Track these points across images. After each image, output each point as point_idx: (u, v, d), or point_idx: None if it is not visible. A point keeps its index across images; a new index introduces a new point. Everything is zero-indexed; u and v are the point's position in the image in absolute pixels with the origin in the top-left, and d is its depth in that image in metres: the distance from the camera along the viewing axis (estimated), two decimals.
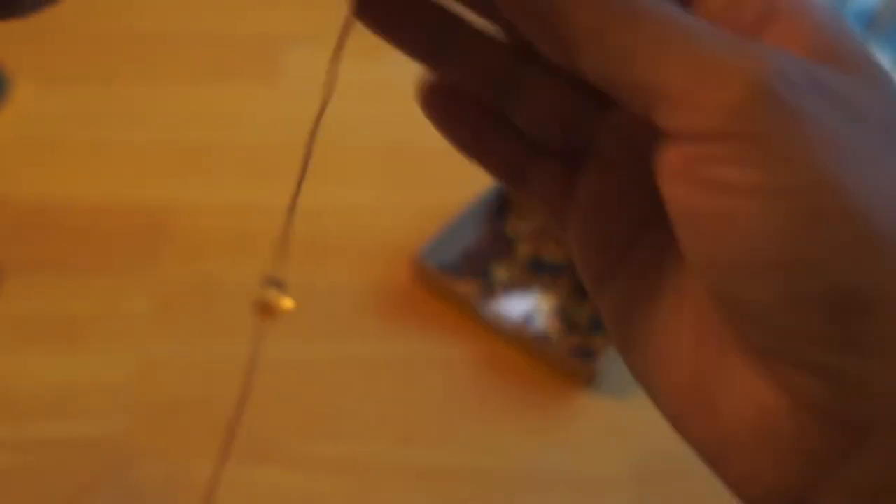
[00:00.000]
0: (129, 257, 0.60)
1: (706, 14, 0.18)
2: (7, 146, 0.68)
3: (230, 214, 0.63)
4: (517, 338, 0.55)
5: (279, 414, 0.52)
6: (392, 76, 0.75)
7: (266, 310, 0.26)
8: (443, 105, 0.24)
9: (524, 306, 0.57)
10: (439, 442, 0.51)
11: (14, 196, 0.65)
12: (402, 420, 0.52)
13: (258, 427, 0.52)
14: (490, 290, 0.58)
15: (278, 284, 0.26)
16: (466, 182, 0.57)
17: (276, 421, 0.52)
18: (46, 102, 0.71)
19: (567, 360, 0.53)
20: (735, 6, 0.18)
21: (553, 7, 0.17)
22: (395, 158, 0.67)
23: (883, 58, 1.56)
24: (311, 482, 0.50)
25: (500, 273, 0.59)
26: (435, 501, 0.49)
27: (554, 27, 0.18)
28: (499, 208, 0.62)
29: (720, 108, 0.16)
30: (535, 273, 0.59)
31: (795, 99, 0.16)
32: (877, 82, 0.17)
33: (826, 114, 0.16)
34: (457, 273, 0.59)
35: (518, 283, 0.58)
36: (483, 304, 0.56)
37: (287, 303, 0.25)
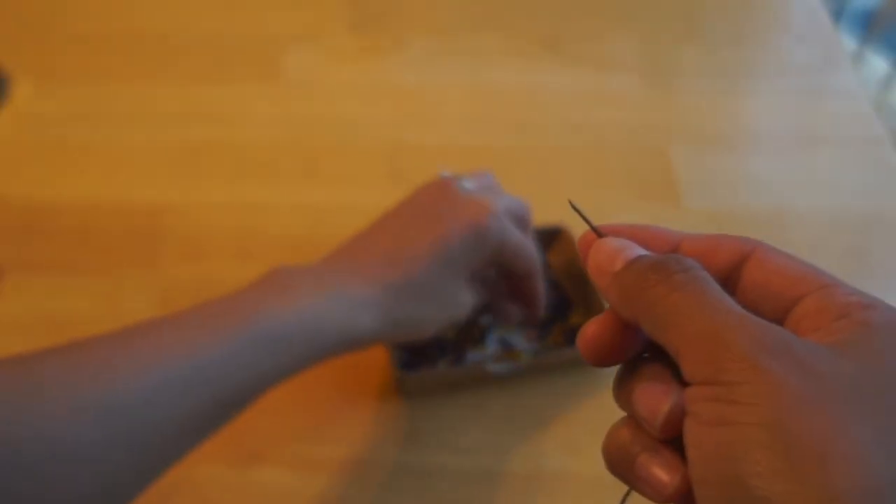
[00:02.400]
0: (129, 257, 0.60)
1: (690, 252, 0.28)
2: (7, 146, 0.68)
3: (230, 214, 0.63)
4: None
5: (279, 414, 0.52)
6: (392, 76, 0.75)
7: None
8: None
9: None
10: (438, 441, 0.51)
11: (14, 196, 0.65)
12: (401, 420, 0.52)
13: (257, 427, 0.52)
14: None
15: None
16: None
17: (275, 421, 0.52)
18: (46, 102, 0.71)
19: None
20: (712, 251, 0.27)
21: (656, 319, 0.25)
22: (395, 158, 0.67)
23: (883, 58, 1.55)
24: (311, 482, 0.50)
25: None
26: (435, 501, 0.49)
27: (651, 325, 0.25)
28: None
29: (706, 363, 0.22)
30: None
31: (767, 361, 0.21)
32: (850, 351, 0.22)
33: (790, 373, 0.21)
34: None
35: None
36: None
37: None
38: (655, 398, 0.25)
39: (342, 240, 0.49)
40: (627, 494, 0.28)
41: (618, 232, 0.28)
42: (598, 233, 0.28)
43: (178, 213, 0.63)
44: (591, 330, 0.27)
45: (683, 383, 0.24)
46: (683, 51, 0.76)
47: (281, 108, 0.71)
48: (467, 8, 0.80)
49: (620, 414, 0.27)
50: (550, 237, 0.58)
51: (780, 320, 0.25)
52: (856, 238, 0.62)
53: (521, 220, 0.49)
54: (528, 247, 0.49)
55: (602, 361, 0.27)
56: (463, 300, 0.47)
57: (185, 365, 0.37)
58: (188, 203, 0.64)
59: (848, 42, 1.54)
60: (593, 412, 0.52)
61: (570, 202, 0.30)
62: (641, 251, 0.27)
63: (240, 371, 0.39)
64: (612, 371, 0.27)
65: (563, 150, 0.68)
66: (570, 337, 0.55)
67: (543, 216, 0.57)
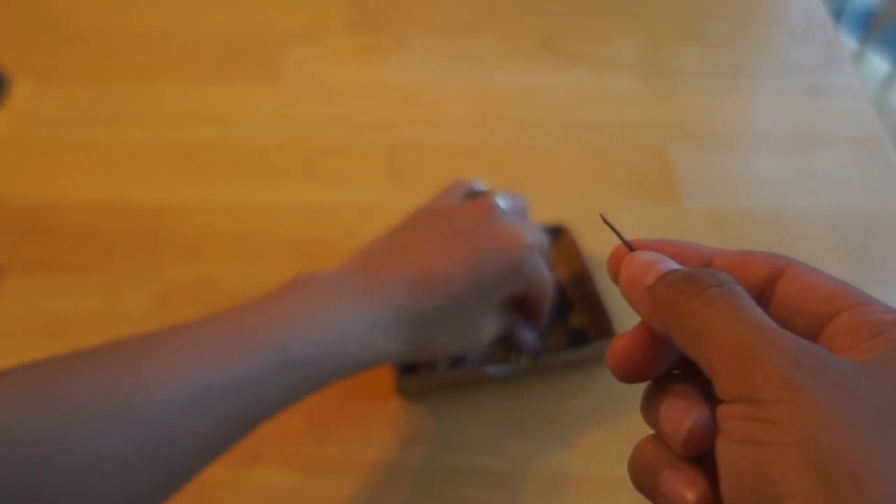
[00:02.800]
0: (129, 257, 0.60)
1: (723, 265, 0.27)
2: (7, 146, 0.68)
3: (229, 214, 0.63)
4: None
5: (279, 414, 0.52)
6: (392, 76, 0.75)
7: None
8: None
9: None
10: (438, 441, 0.51)
11: (14, 196, 0.65)
12: (401, 420, 0.52)
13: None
14: None
15: None
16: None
17: (275, 421, 0.52)
18: (46, 102, 0.71)
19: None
20: (745, 267, 0.27)
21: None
22: (395, 158, 0.67)
23: (883, 58, 1.55)
24: (311, 482, 0.50)
25: None
26: (435, 501, 0.49)
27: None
28: None
29: (737, 380, 0.22)
30: None
31: (802, 379, 0.21)
32: (885, 369, 0.22)
33: (824, 391, 0.21)
34: None
35: None
36: None
37: None
38: (679, 414, 0.25)
39: (371, 239, 0.49)
40: None
41: (649, 247, 0.28)
42: (630, 247, 0.28)
43: (178, 212, 0.63)
44: (622, 344, 0.27)
45: (712, 401, 0.24)
46: (683, 50, 0.76)
47: (281, 108, 0.71)
48: (467, 8, 0.80)
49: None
50: (551, 237, 0.58)
51: (813, 337, 0.25)
52: (856, 238, 0.62)
53: (543, 251, 0.49)
54: (550, 279, 0.49)
55: (631, 377, 0.27)
56: (486, 332, 0.47)
57: (213, 382, 0.37)
58: (188, 203, 0.64)
59: (848, 42, 1.54)
60: (592, 413, 0.52)
61: (602, 216, 0.30)
62: (674, 265, 0.27)
63: (265, 390, 0.39)
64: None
65: (563, 149, 0.68)
66: (571, 338, 0.55)
67: (543, 216, 0.57)
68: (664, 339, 0.26)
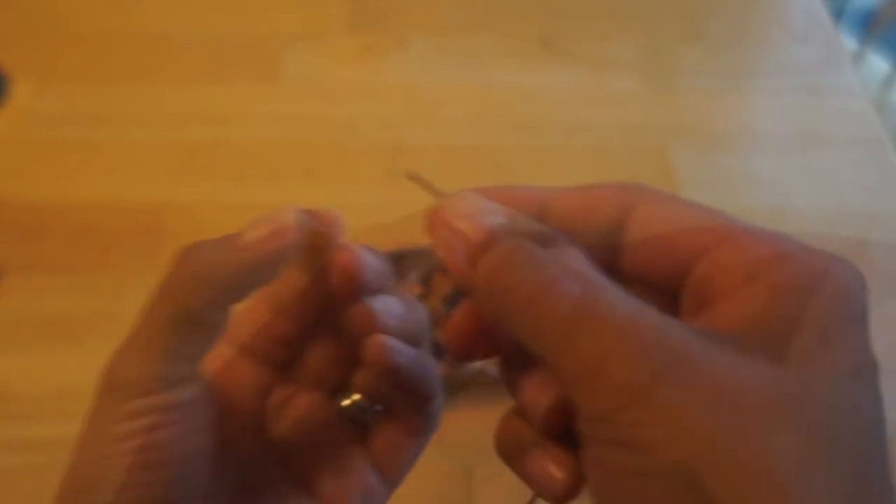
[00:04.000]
0: (129, 257, 0.60)
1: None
2: (7, 146, 0.68)
3: (230, 214, 0.63)
4: None
5: None
6: (392, 76, 0.75)
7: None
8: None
9: None
10: (438, 441, 0.51)
11: (14, 196, 0.65)
12: None
13: None
14: None
15: None
16: (466, 181, 0.56)
17: None
18: (46, 102, 0.71)
19: None
20: (588, 209, 0.22)
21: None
22: (395, 158, 0.67)
23: (883, 58, 1.55)
24: None
25: None
26: (434, 501, 0.49)
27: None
28: None
29: (602, 400, 0.18)
30: None
31: (665, 392, 0.17)
32: (762, 339, 0.18)
33: (694, 402, 0.17)
34: None
35: None
36: None
37: None
38: (537, 392, 0.21)
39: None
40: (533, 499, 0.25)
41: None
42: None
43: (178, 212, 0.63)
44: (458, 323, 0.23)
45: None
46: (683, 51, 0.76)
47: (281, 108, 0.71)
48: (467, 8, 0.80)
49: None
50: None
51: (678, 286, 0.21)
52: (856, 238, 0.62)
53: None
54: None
55: (472, 356, 0.23)
56: None
57: None
58: (188, 203, 0.64)
59: (848, 42, 1.54)
60: None
61: (409, 174, 0.26)
62: (500, 214, 0.22)
63: None
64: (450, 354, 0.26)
65: (563, 149, 0.68)
66: None
67: None
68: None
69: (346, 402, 0.27)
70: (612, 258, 0.22)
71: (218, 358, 0.27)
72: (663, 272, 0.21)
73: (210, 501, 0.25)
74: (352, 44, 0.76)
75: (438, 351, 0.26)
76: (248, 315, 0.27)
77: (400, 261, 0.48)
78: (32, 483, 0.49)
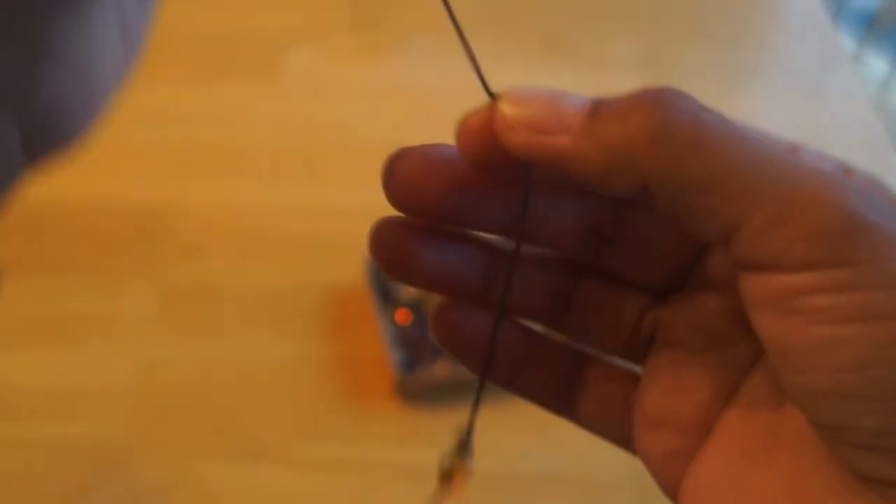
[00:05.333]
0: (129, 257, 0.60)
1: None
2: None
3: (230, 214, 0.63)
4: None
5: (279, 413, 0.52)
6: (392, 76, 0.75)
7: (447, 480, 0.24)
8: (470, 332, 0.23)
9: None
10: (438, 442, 0.51)
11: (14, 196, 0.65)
12: (401, 420, 0.52)
13: (257, 426, 0.52)
14: None
15: (464, 449, 0.24)
16: None
17: (275, 420, 0.52)
18: None
19: None
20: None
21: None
22: None
23: (883, 58, 1.55)
24: (311, 482, 0.50)
25: None
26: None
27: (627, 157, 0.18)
28: None
29: (812, 237, 0.16)
30: None
31: (888, 225, 0.16)
32: None
33: None
34: None
35: None
36: None
37: (465, 473, 0.24)
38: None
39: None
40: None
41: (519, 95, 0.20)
42: (491, 94, 0.22)
43: (177, 212, 0.63)
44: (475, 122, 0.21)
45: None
46: (683, 51, 0.76)
47: (281, 107, 0.71)
48: (467, 8, 0.79)
49: None
50: None
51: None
52: None
53: None
54: None
55: (483, 163, 0.20)
56: None
57: None
58: (188, 203, 0.64)
59: (847, 42, 1.54)
60: None
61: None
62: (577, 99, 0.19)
63: None
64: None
65: None
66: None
67: None
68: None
69: None
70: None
71: None
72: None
73: None
74: (352, 44, 0.76)
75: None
76: None
77: None
78: (32, 483, 0.49)
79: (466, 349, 0.24)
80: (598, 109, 0.18)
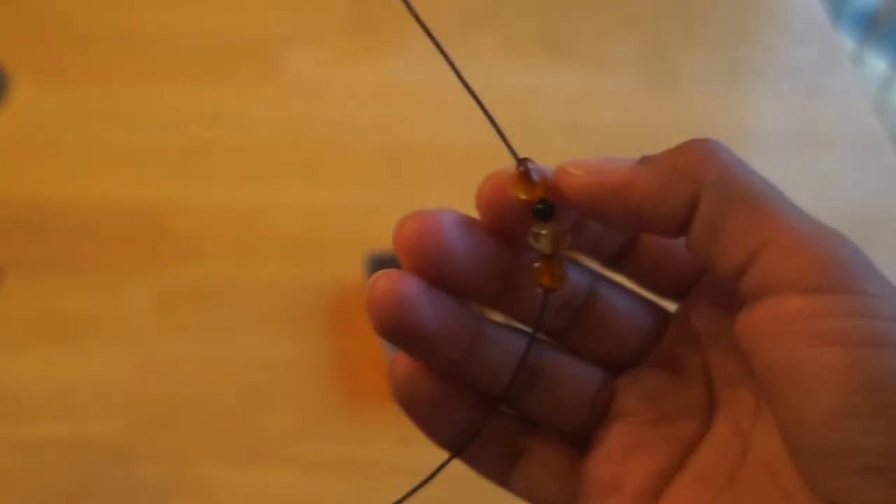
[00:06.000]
0: (129, 257, 0.60)
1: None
2: (7, 146, 0.68)
3: (230, 214, 0.63)
4: None
5: (278, 414, 0.52)
6: (392, 76, 0.75)
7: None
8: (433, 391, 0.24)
9: None
10: None
11: (14, 196, 0.65)
12: (401, 420, 0.52)
13: (257, 427, 0.52)
14: None
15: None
16: (467, 182, 0.56)
17: (275, 421, 0.52)
18: (46, 102, 0.71)
19: None
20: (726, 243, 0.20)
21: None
22: (395, 158, 0.67)
23: (883, 58, 1.55)
24: (311, 482, 0.50)
25: None
26: (434, 501, 0.49)
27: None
28: None
29: (826, 264, 0.18)
30: None
31: (874, 267, 0.18)
32: None
33: None
34: None
35: None
36: None
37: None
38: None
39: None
40: None
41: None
42: (519, 159, 0.24)
43: (177, 213, 0.63)
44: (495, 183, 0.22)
45: None
46: (684, 51, 0.76)
47: (281, 108, 0.71)
48: (467, 8, 0.80)
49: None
50: None
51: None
52: (855, 238, 0.62)
53: None
54: None
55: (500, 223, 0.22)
56: None
57: None
58: (188, 203, 0.64)
59: (848, 42, 1.54)
60: None
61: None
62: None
63: None
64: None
65: (564, 150, 0.68)
66: None
67: None
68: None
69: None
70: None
71: None
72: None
73: None
74: (352, 44, 0.76)
75: None
76: None
77: None
78: (32, 483, 0.49)
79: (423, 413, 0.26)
80: (648, 157, 0.22)
